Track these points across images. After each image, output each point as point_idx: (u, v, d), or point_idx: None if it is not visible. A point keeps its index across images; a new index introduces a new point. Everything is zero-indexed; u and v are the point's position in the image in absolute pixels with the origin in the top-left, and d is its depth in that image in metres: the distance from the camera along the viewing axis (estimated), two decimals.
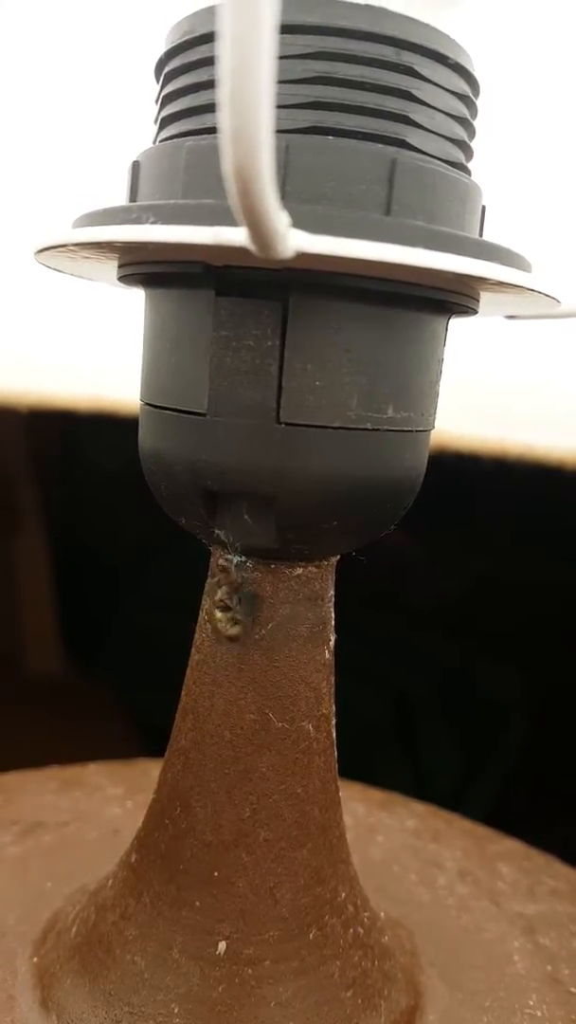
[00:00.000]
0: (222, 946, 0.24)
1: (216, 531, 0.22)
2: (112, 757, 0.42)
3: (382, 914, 0.29)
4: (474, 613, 0.76)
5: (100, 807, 0.37)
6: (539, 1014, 0.27)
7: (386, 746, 0.73)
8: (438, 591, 0.79)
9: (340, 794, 0.26)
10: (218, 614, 0.23)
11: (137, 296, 0.24)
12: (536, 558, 0.72)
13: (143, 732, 0.73)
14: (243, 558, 0.23)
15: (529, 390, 0.44)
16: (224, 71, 0.12)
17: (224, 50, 0.12)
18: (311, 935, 0.24)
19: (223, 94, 0.13)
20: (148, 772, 0.40)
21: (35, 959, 0.27)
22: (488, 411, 0.44)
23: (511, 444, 0.44)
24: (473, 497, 0.61)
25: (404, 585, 0.77)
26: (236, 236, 0.16)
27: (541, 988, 0.28)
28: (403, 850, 0.36)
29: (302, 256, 0.16)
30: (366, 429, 0.21)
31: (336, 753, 0.26)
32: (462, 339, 0.29)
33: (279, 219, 0.15)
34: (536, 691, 0.74)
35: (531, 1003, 0.28)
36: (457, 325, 0.24)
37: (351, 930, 0.25)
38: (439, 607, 0.77)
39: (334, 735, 0.25)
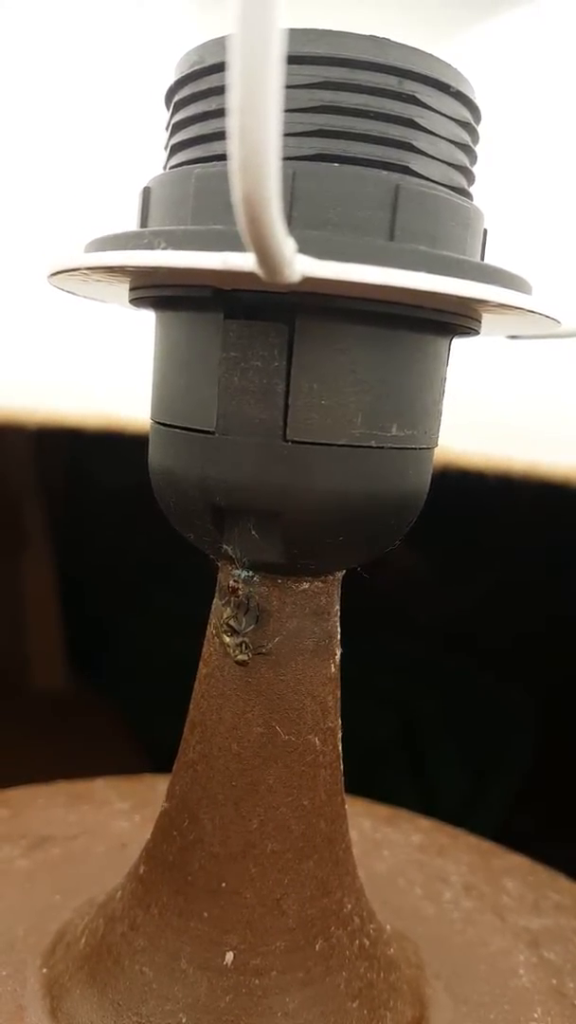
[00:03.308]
0: (229, 956, 0.24)
1: (224, 546, 0.23)
2: (116, 773, 0.42)
3: (388, 927, 0.29)
4: (480, 630, 0.76)
5: (108, 821, 0.37)
6: None
7: (392, 764, 0.73)
8: (444, 608, 0.79)
9: (346, 808, 0.26)
10: (226, 639, 0.24)
11: (146, 316, 0.24)
12: (542, 575, 0.72)
13: (147, 748, 0.74)
14: (250, 573, 0.23)
15: (533, 408, 0.44)
16: (234, 103, 0.13)
17: (234, 83, 0.13)
18: (317, 946, 0.25)
19: (233, 125, 0.13)
20: (155, 787, 0.40)
21: (44, 970, 0.27)
22: (493, 429, 0.44)
23: (516, 461, 0.44)
24: (478, 514, 0.61)
25: (410, 602, 0.77)
26: (244, 262, 0.16)
27: (546, 1001, 0.29)
28: (409, 864, 0.36)
29: (308, 280, 0.17)
30: (370, 447, 0.21)
31: (342, 766, 0.26)
32: (466, 358, 0.30)
33: (286, 245, 0.15)
34: (543, 709, 0.74)
35: (536, 1016, 0.28)
36: (460, 344, 0.24)
37: (357, 941, 0.26)
38: (445, 624, 0.78)
39: (340, 748, 0.26)
